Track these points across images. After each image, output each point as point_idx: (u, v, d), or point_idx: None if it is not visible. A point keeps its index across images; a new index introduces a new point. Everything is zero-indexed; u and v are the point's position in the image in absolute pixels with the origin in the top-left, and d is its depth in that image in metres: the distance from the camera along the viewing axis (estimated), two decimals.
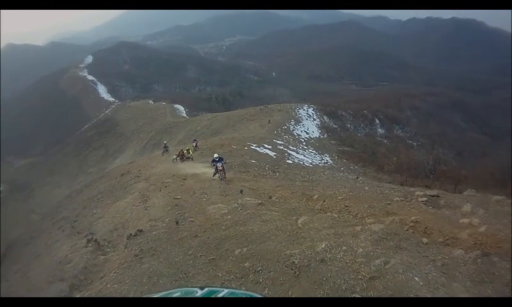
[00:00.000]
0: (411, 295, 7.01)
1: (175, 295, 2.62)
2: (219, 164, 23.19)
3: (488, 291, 6.79)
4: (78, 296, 11.30)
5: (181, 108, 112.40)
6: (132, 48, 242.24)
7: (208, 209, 15.32)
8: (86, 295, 11.42)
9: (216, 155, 24.10)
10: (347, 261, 8.82)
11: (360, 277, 8.11)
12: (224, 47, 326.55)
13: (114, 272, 11.84)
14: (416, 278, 7.46)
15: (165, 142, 48.63)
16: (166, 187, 22.48)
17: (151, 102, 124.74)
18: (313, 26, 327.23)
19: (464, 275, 7.44)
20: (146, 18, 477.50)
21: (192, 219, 14.60)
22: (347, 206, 13.81)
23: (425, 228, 10.32)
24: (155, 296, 2.64)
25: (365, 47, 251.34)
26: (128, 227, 16.33)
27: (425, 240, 9.48)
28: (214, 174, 23.84)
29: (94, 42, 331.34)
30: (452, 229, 10.06)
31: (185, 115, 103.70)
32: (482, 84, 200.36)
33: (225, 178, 23.26)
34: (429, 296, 6.90)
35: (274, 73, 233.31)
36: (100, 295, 10.68)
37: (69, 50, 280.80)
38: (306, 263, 9.11)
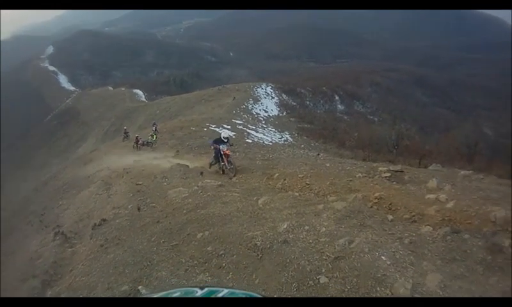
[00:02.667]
0: (378, 275, 6.86)
1: (174, 295, 2.72)
2: (223, 147, 19.08)
3: (460, 270, 6.64)
4: (77, 296, 10.49)
5: (140, 92, 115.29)
6: (91, 36, 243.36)
7: (170, 193, 15.25)
8: (57, 291, 11.24)
9: (224, 133, 21.57)
10: (311, 241, 8.68)
11: (324, 257, 7.95)
12: (182, 30, 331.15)
13: (82, 264, 11.78)
14: (383, 257, 7.30)
15: (125, 127, 49.57)
16: (127, 173, 22.51)
17: (110, 88, 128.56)
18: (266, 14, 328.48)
19: (433, 254, 7.31)
20: None
21: (154, 205, 14.55)
22: (308, 184, 13.83)
23: (390, 204, 10.29)
24: (155, 296, 2.75)
25: (323, 25, 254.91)
26: (93, 216, 16.30)
27: (390, 217, 9.43)
28: (213, 163, 20.28)
29: (56, 32, 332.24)
30: (418, 205, 9.98)
31: (145, 99, 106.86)
32: (444, 60, 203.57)
33: (234, 169, 18.86)
34: (397, 275, 6.73)
35: (231, 54, 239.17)
36: (70, 289, 10.58)
37: (32, 42, 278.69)
38: (268, 245, 8.98)
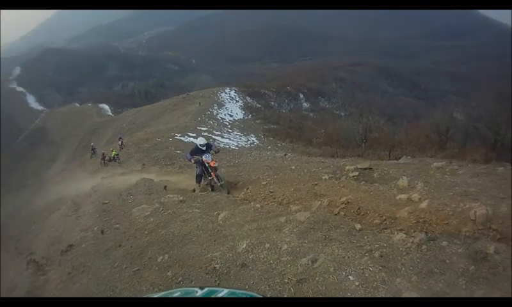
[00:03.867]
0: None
1: (175, 295, 2.77)
2: (206, 157, 16.64)
3: (439, 285, 5.90)
4: (77, 296, 10.15)
5: (106, 107, 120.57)
6: (56, 54, 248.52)
7: (133, 212, 14.80)
8: None
9: (200, 140, 17.42)
10: (271, 261, 8.00)
11: (286, 281, 7.24)
12: (144, 41, 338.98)
13: (52, 295, 11.33)
14: (350, 277, 6.56)
15: (92, 144, 51.09)
16: (95, 191, 22.52)
17: (77, 104, 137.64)
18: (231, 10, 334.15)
19: (408, 268, 6.55)
20: (70, 21, 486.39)
21: (117, 226, 14.13)
22: (271, 192, 13.62)
23: (358, 208, 9.82)
24: (155, 296, 2.79)
25: (285, 25, 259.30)
26: (63, 240, 16.03)
27: (358, 225, 8.77)
28: (199, 179, 17.44)
29: (23, 52, 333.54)
30: (389, 207, 9.48)
31: (111, 113, 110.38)
32: (410, 50, 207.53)
33: (226, 186, 16.55)
34: (369, 296, 6.01)
35: (194, 61, 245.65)
36: None
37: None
38: (226, 270, 8.34)
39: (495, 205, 8.16)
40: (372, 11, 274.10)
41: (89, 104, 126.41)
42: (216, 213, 12.13)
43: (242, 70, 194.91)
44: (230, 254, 8.81)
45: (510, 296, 5.20)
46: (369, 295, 6.03)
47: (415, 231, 7.99)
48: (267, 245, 8.57)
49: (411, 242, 7.25)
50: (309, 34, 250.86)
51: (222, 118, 65.76)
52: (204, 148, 17.23)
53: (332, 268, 6.88)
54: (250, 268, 8.07)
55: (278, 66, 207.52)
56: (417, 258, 6.71)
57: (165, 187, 18.90)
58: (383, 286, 6.12)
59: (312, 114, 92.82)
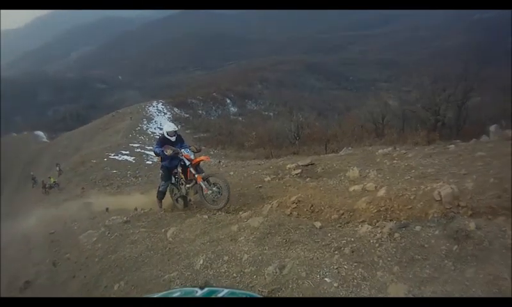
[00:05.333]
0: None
1: (175, 295, 2.85)
2: (186, 152, 12.56)
3: (425, 271, 5.70)
4: (77, 296, 10.03)
5: (41, 134, 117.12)
6: None
7: (80, 239, 14.29)
8: None
9: (168, 126, 13.29)
10: (235, 275, 7.64)
11: (256, 294, 6.80)
12: (72, 62, 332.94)
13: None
14: (326, 279, 6.23)
15: (32, 173, 52.22)
16: (41, 221, 21.92)
17: (15, 134, 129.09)
18: (155, 21, 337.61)
19: (385, 259, 6.32)
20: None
21: (68, 256, 13.54)
22: None
23: (311, 206, 9.60)
24: (155, 296, 2.84)
25: (206, 32, 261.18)
26: (19, 277, 15.07)
27: (318, 223, 8.48)
28: (162, 195, 14.06)
29: None
30: (344, 200, 9.39)
31: (46, 140, 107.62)
32: (334, 42, 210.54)
33: (227, 195, 11.82)
34: (353, 296, 5.70)
35: (120, 77, 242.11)
36: None
37: None
38: None
39: (459, 182, 8.21)
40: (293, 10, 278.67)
41: (25, 132, 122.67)
42: (163, 230, 11.82)
43: (168, 81, 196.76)
44: (189, 273, 8.48)
45: (509, 296, 4.93)
46: (352, 295, 5.79)
47: (378, 221, 7.88)
48: (226, 258, 8.26)
49: (381, 232, 7.02)
50: (229, 38, 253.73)
51: (152, 132, 65.64)
52: (173, 139, 13.08)
53: (304, 273, 6.58)
54: (214, 285, 7.60)
55: (202, 74, 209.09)
56: (392, 247, 6.51)
57: (107, 209, 18.14)
58: (365, 282, 5.90)
59: (240, 118, 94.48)
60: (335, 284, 6.03)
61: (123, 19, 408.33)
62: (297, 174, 13.22)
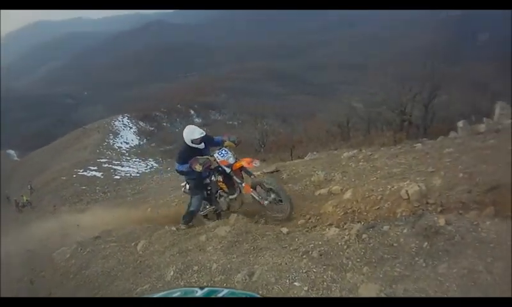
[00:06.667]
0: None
1: (175, 295, 2.86)
2: (222, 156, 10.07)
3: (396, 270, 5.73)
4: (77, 296, 9.94)
5: (12, 152, 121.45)
6: None
7: (54, 256, 13.83)
8: None
9: (192, 131, 10.25)
10: (205, 284, 7.57)
11: None
12: (40, 78, 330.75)
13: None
14: (296, 283, 6.28)
15: (6, 191, 51.85)
16: (18, 241, 21.01)
17: None
18: (118, 33, 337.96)
19: (354, 260, 6.36)
20: None
21: (43, 274, 13.27)
22: (183, 213, 12.63)
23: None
24: (155, 296, 2.93)
25: (168, 43, 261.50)
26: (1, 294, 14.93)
27: (285, 229, 8.49)
28: (190, 217, 11.15)
29: None
30: (311, 205, 9.61)
31: (17, 158, 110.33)
32: (298, 47, 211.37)
33: (289, 203, 9.57)
34: (321, 297, 5.78)
35: (86, 93, 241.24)
36: None
37: None
38: None
39: (427, 180, 8.33)
40: (254, 14, 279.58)
41: None
42: (133, 244, 11.78)
43: (133, 94, 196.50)
44: (160, 285, 8.48)
45: (509, 295, 4.97)
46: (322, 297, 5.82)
47: (345, 223, 7.95)
48: (196, 268, 8.32)
49: (348, 234, 7.06)
50: (192, 48, 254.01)
51: (119, 147, 66.51)
52: (202, 146, 10.41)
53: (273, 279, 6.63)
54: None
55: (166, 86, 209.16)
56: (361, 248, 6.57)
57: (78, 225, 18.00)
58: (335, 284, 5.92)
59: (205, 129, 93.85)
60: (305, 288, 6.07)
61: (88, 33, 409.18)
62: None
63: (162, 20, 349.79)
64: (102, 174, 37.97)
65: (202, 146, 10.38)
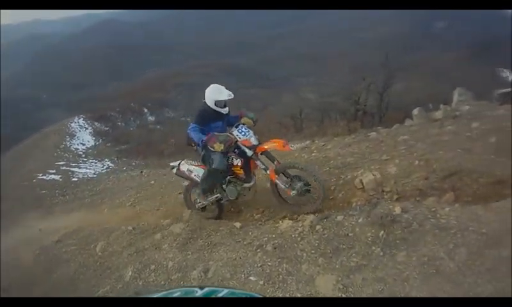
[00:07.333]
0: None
1: (175, 295, 2.82)
2: (244, 135, 8.51)
3: (353, 260, 5.70)
4: (77, 296, 9.39)
5: None
6: None
7: (20, 263, 13.61)
8: None
9: (219, 91, 8.71)
10: (162, 282, 7.69)
11: None
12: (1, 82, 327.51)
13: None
14: (251, 277, 6.25)
15: None
16: None
17: None
18: (73, 34, 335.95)
19: (309, 252, 6.27)
20: None
21: (9, 281, 12.76)
22: (139, 212, 13.37)
23: (230, 208, 9.80)
24: (155, 296, 2.86)
25: (122, 42, 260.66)
26: None
27: (238, 224, 8.31)
28: (202, 199, 9.35)
29: None
30: (265, 198, 9.43)
31: None
32: (253, 43, 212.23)
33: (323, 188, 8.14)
34: (278, 293, 5.76)
35: (44, 96, 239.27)
36: None
37: None
38: None
39: (381, 168, 8.39)
40: (209, 13, 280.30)
41: None
42: (92, 245, 11.55)
43: (89, 94, 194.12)
44: (120, 285, 8.52)
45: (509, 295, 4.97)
46: (279, 290, 5.83)
47: (298, 215, 7.90)
48: (153, 267, 8.29)
49: (302, 226, 6.99)
50: (148, 46, 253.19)
51: (76, 149, 64.73)
52: (226, 110, 8.85)
53: (228, 274, 6.65)
54: (145, 294, 7.52)
55: (121, 84, 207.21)
56: (315, 239, 6.49)
57: (40, 229, 17.00)
58: (291, 277, 5.91)
59: (159, 127, 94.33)
60: (261, 282, 6.05)
61: (46, 35, 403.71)
62: None
63: (114, 19, 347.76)
64: (60, 177, 37.10)
65: (226, 110, 8.76)
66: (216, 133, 8.07)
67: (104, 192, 20.86)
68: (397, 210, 6.13)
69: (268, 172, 8.35)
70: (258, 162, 8.39)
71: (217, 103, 8.41)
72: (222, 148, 7.90)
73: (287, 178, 8.24)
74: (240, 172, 8.62)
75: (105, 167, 48.49)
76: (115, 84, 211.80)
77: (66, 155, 56.88)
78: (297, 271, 5.93)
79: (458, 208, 6.08)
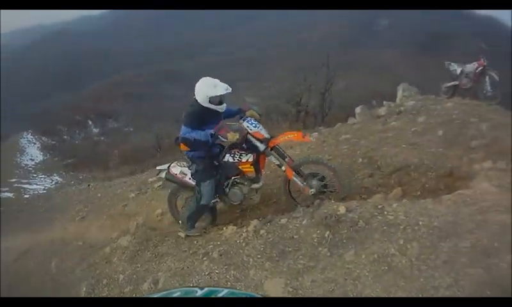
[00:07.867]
0: None
1: (175, 295, 2.93)
2: (254, 127, 7.39)
3: (300, 262, 5.77)
4: (77, 296, 9.02)
5: None
6: None
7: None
8: None
9: (218, 86, 7.30)
10: (115, 296, 7.63)
11: None
12: None
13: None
14: (199, 287, 6.06)
15: None
16: None
17: None
18: (23, 46, 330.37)
19: (255, 257, 6.33)
20: None
21: None
22: (87, 226, 13.04)
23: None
24: (155, 296, 3.03)
25: (72, 53, 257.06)
26: None
27: (181, 233, 8.18)
28: (199, 214, 8.13)
29: None
30: None
31: None
32: (197, 47, 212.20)
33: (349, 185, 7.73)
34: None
35: None
36: None
37: None
38: None
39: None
40: (158, 17, 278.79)
41: None
42: (48, 263, 11.48)
43: (39, 108, 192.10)
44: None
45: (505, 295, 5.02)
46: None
47: (243, 221, 8.06)
48: (105, 281, 8.25)
49: (246, 231, 7.04)
50: (94, 55, 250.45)
51: (26, 164, 64.88)
52: (223, 107, 7.44)
53: (177, 284, 6.71)
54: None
55: (70, 97, 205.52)
56: (260, 244, 6.55)
57: None
58: (239, 283, 5.99)
59: (103, 138, 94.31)
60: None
61: None
62: (158, 187, 12.94)
63: (64, 29, 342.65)
64: (13, 195, 37.32)
65: (223, 107, 7.39)
66: (227, 123, 7.29)
67: (55, 208, 20.67)
68: (342, 209, 6.16)
69: (283, 168, 7.51)
70: (271, 158, 7.50)
71: (211, 100, 7.16)
72: (237, 136, 7.00)
73: (301, 176, 7.53)
74: (251, 170, 7.58)
75: (54, 182, 48.53)
76: (65, 96, 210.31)
77: (17, 171, 56.81)
78: (245, 277, 6.00)
79: (407, 203, 6.14)
